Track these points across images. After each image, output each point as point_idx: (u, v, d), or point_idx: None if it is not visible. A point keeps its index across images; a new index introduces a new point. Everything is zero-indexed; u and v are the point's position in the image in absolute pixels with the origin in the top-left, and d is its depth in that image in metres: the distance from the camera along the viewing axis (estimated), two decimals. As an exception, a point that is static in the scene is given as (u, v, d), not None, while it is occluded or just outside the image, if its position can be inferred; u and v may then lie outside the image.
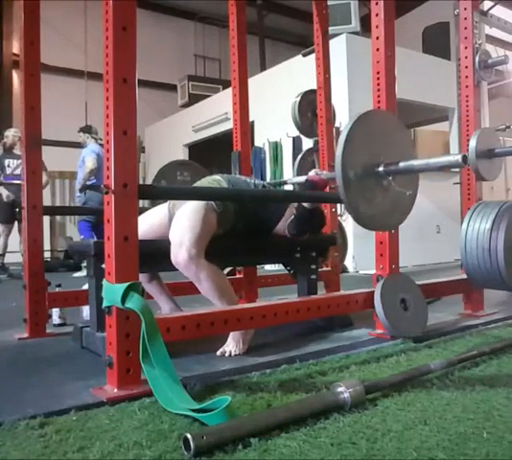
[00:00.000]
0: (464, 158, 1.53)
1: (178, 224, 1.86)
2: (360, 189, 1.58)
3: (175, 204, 2.00)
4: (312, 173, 2.08)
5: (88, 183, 5.14)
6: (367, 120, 1.62)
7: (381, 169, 1.63)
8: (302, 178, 2.15)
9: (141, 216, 2.06)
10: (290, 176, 4.22)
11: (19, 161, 4.99)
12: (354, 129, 1.54)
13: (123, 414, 1.21)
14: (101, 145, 5.20)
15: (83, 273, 4.88)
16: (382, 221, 1.69)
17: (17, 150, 5.20)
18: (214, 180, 2.07)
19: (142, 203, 2.56)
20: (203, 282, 1.79)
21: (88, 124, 5.68)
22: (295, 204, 2.10)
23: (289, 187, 3.70)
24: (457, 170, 5.16)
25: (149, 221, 2.04)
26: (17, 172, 5.08)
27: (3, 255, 5.34)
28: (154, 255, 1.79)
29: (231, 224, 2.01)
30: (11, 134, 5.32)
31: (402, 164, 1.63)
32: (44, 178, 5.78)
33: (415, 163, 1.64)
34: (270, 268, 4.79)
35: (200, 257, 1.79)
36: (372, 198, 1.62)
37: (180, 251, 1.77)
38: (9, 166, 5.34)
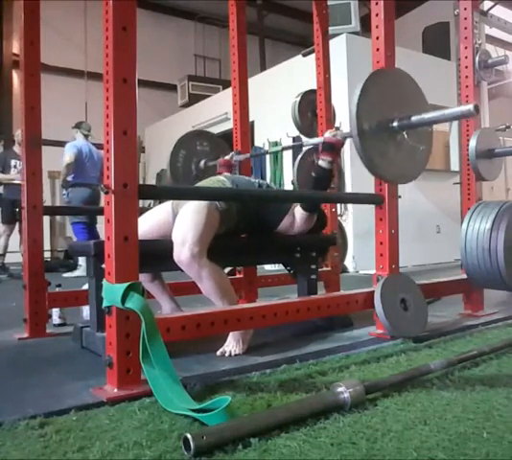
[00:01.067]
0: (476, 107, 1.56)
1: (181, 223, 1.87)
2: (375, 142, 1.62)
3: (179, 203, 2.01)
4: (327, 135, 2.10)
5: (69, 180, 5.04)
6: (381, 76, 1.66)
7: (395, 124, 1.67)
8: (318, 140, 2.18)
9: (143, 215, 2.07)
10: (290, 177, 4.21)
11: None
12: (368, 85, 1.58)
13: (123, 414, 1.21)
14: (95, 144, 5.15)
15: (74, 274, 4.89)
16: (397, 174, 1.73)
17: None
18: (218, 180, 2.09)
19: (142, 203, 2.56)
20: (205, 280, 1.80)
21: (86, 122, 5.66)
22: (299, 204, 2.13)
23: (289, 184, 3.69)
24: (457, 169, 5.16)
25: (151, 221, 2.04)
26: None
27: (3, 255, 5.33)
28: (157, 255, 1.79)
29: (233, 223, 2.02)
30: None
31: (414, 117, 1.66)
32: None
33: (427, 115, 1.68)
34: (270, 268, 4.79)
35: (203, 255, 1.80)
36: (386, 151, 1.67)
37: (183, 249, 1.78)
38: (15, 166, 5.30)
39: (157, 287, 2.17)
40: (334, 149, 2.06)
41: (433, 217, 5.76)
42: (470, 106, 1.57)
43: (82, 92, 8.35)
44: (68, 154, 5.01)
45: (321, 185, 2.14)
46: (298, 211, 2.15)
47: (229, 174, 2.21)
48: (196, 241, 1.79)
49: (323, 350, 1.83)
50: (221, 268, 1.91)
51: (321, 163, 2.07)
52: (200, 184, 2.19)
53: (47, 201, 5.95)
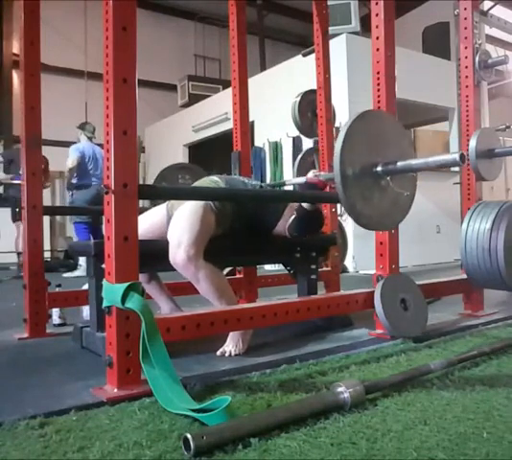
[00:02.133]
0: (462, 157, 1.53)
1: (177, 225, 1.86)
2: (359, 188, 1.58)
3: (174, 204, 2.01)
4: (310, 175, 2.08)
5: (73, 182, 5.10)
6: (366, 120, 1.62)
7: (379, 168, 1.63)
8: (301, 180, 2.16)
9: (140, 216, 2.07)
10: (290, 176, 4.22)
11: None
12: (352, 129, 1.55)
13: (123, 414, 1.21)
14: (99, 144, 5.17)
15: (74, 274, 4.89)
16: (379, 221, 1.69)
17: None
18: (212, 181, 2.07)
19: (142, 203, 2.56)
20: (202, 282, 1.79)
21: (88, 122, 5.67)
22: (295, 204, 2.10)
23: (288, 188, 3.71)
24: (457, 169, 5.17)
25: (148, 222, 2.04)
26: None
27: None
28: (154, 255, 1.79)
29: (229, 224, 2.01)
30: None
31: (400, 163, 1.63)
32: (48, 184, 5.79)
33: (413, 162, 1.64)
34: (270, 268, 4.79)
35: (199, 257, 1.79)
36: (370, 198, 1.62)
37: (178, 251, 1.77)
38: None
39: (155, 288, 2.16)
40: (316, 189, 2.04)
41: (433, 217, 5.76)
42: (455, 156, 1.54)
43: (82, 92, 8.35)
44: (71, 159, 5.06)
45: (306, 227, 2.07)
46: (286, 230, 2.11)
47: (222, 175, 2.19)
48: (191, 243, 1.78)
49: (323, 350, 1.83)
50: (220, 269, 1.90)
51: (304, 204, 2.02)
52: (195, 185, 2.18)
53: (47, 201, 5.96)
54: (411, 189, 1.76)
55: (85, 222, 5.09)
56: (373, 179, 1.63)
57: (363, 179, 1.60)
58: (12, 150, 5.69)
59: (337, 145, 1.53)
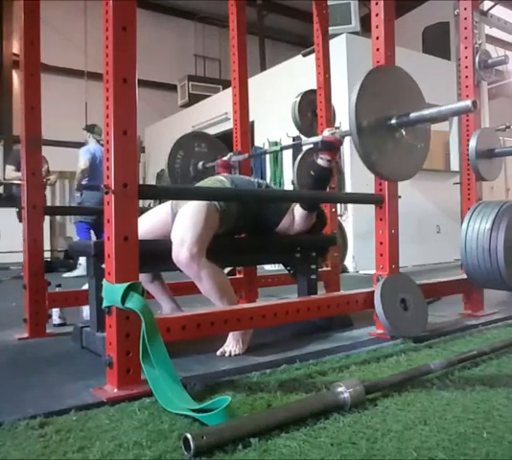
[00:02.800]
0: (474, 103, 1.57)
1: (180, 223, 1.87)
2: (373, 139, 1.65)
3: (178, 202, 2.01)
4: (326, 133, 2.09)
5: (84, 183, 5.15)
6: (379, 75, 1.69)
7: (393, 121, 1.69)
8: (317, 139, 2.18)
9: (143, 215, 2.07)
10: (290, 176, 4.22)
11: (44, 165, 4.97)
12: (366, 82, 1.60)
13: (123, 414, 1.21)
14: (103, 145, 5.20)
15: (73, 273, 4.90)
16: (394, 171, 1.75)
17: None
18: (217, 180, 2.09)
19: (142, 203, 2.56)
20: (204, 281, 1.79)
21: (92, 123, 5.68)
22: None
23: (290, 183, 3.70)
24: (457, 169, 5.16)
25: (150, 221, 2.04)
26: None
27: None
28: (157, 255, 1.79)
29: (233, 223, 2.02)
30: None
31: (413, 114, 1.69)
32: (53, 177, 5.76)
33: (426, 112, 1.69)
34: (270, 268, 4.79)
35: (202, 256, 1.79)
36: (385, 149, 1.69)
37: (182, 250, 1.78)
38: None
39: (157, 288, 2.17)
40: (332, 147, 2.06)
41: (433, 217, 5.76)
42: (468, 102, 1.58)
43: (82, 92, 8.34)
44: (83, 160, 5.10)
45: (320, 184, 2.14)
46: (297, 210, 2.15)
47: (228, 174, 2.21)
48: (194, 242, 1.79)
49: (323, 350, 1.83)
50: (221, 268, 1.91)
51: (320, 162, 2.07)
52: (200, 184, 2.19)
53: (47, 201, 5.96)
54: (425, 141, 1.81)
55: (87, 222, 5.11)
56: (388, 132, 1.69)
57: (378, 131, 1.66)
58: (14, 151, 5.70)
59: (352, 97, 1.57)
